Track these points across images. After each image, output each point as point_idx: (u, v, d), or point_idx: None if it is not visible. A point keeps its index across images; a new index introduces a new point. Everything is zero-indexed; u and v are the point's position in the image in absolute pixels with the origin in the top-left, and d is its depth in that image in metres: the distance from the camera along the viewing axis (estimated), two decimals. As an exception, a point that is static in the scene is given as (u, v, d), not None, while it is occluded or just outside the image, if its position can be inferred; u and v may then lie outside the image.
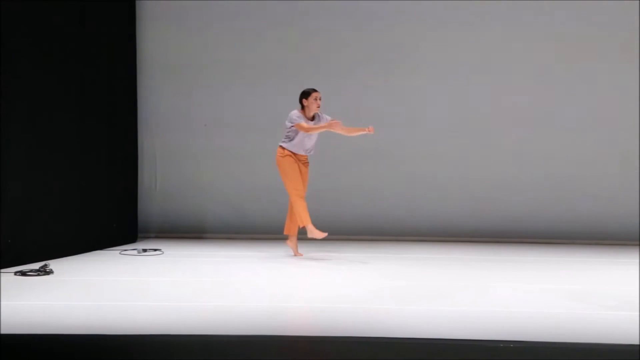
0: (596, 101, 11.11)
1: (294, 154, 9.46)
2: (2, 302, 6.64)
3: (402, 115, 11.31)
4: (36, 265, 8.40)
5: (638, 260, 9.33)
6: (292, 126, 9.38)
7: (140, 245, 10.43)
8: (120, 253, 9.92)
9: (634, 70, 10.93)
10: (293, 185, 9.41)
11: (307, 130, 9.34)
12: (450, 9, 11.21)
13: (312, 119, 9.48)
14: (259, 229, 11.26)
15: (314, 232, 9.32)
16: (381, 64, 11.31)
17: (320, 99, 9.44)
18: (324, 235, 9.34)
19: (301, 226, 9.42)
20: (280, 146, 9.49)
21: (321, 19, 11.36)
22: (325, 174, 11.17)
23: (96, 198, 10.11)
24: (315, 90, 9.45)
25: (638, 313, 6.38)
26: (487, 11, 11.19)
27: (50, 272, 8.24)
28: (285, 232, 9.64)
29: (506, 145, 11.23)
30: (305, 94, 9.46)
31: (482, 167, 11.24)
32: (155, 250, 10.02)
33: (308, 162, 9.61)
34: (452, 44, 11.24)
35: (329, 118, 9.51)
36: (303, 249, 9.84)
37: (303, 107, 9.47)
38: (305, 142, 9.48)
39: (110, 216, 10.43)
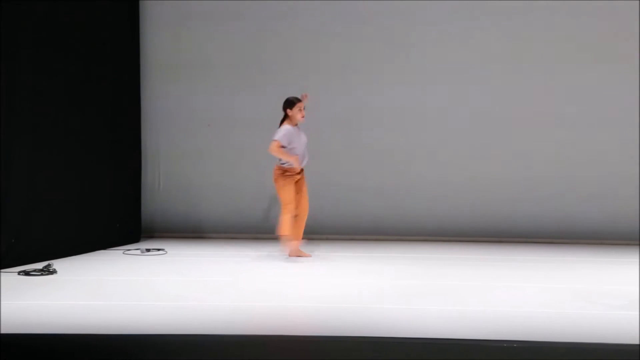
0: (596, 101, 11.11)
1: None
2: (5, 302, 6.67)
3: (404, 116, 11.32)
4: (39, 265, 8.43)
5: (638, 260, 9.34)
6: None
7: (143, 245, 10.45)
8: (123, 253, 9.94)
9: (634, 70, 10.93)
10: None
11: (280, 153, 9.27)
12: (451, 9, 11.21)
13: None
14: (262, 229, 11.26)
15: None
16: (382, 64, 11.32)
17: (304, 109, 9.37)
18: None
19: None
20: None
21: (323, 18, 11.37)
22: (328, 173, 11.19)
23: (99, 198, 10.13)
24: (299, 100, 9.36)
25: (638, 313, 6.40)
26: (487, 11, 11.19)
27: (54, 271, 8.27)
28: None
29: (507, 145, 11.22)
30: (290, 104, 9.34)
31: (484, 167, 11.24)
32: (158, 250, 10.04)
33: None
34: (453, 44, 11.24)
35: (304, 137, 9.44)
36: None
37: (287, 117, 9.39)
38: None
39: (114, 216, 10.44)
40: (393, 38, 11.31)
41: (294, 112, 9.32)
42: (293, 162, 9.29)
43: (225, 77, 11.45)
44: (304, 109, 9.36)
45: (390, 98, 11.33)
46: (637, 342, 5.58)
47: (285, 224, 9.41)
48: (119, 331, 5.87)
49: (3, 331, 5.71)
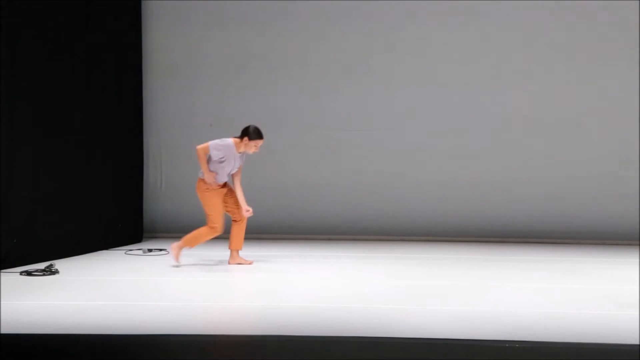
0: (596, 101, 11.11)
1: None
2: (7, 302, 6.68)
3: (404, 116, 11.32)
4: (42, 265, 8.44)
5: (638, 260, 9.34)
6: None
7: (145, 245, 10.46)
8: (125, 253, 9.96)
9: (634, 70, 10.93)
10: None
11: (200, 158, 8.82)
12: (449, 8, 11.22)
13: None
14: (264, 229, 11.27)
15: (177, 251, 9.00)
16: (380, 64, 11.32)
17: (259, 147, 8.84)
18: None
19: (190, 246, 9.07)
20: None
21: (322, 19, 11.37)
22: (328, 174, 11.21)
23: (102, 198, 10.15)
24: (261, 138, 8.79)
25: (638, 313, 6.40)
26: (486, 11, 11.19)
27: (56, 272, 8.28)
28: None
29: (507, 145, 11.22)
30: (251, 136, 8.75)
31: (484, 167, 11.25)
32: (160, 250, 10.05)
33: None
34: (452, 43, 11.24)
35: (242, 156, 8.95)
36: (304, 249, 9.84)
37: (241, 140, 8.79)
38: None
39: (116, 216, 10.45)
40: (390, 38, 11.31)
41: (249, 145, 8.80)
42: (207, 177, 8.81)
43: (227, 78, 11.46)
44: (259, 147, 8.86)
45: (391, 99, 11.33)
46: (637, 342, 5.58)
47: (198, 240, 8.97)
48: (119, 331, 5.88)
49: (3, 331, 5.73)
